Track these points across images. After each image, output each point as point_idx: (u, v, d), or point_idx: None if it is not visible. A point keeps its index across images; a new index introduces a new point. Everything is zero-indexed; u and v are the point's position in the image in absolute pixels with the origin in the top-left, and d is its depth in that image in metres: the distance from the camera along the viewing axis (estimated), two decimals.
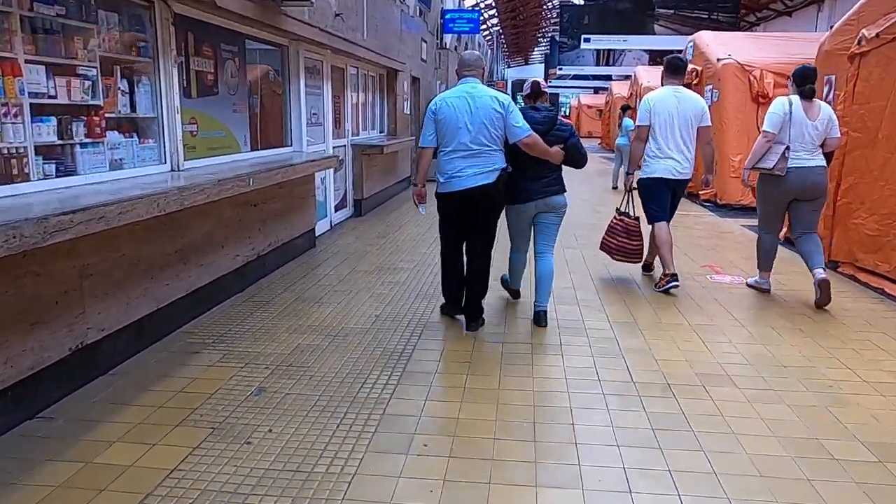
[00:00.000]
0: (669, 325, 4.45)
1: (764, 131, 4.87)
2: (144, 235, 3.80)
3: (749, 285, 5.37)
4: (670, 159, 5.11)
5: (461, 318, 4.49)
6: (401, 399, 3.26)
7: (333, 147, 8.01)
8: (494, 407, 3.18)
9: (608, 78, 43.89)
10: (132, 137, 4.07)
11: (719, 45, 10.88)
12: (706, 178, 5.57)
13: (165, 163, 4.38)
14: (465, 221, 4.21)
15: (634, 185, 5.47)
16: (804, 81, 4.83)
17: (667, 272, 5.18)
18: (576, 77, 42.03)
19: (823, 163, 4.88)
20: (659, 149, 5.13)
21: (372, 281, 5.54)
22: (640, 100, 17.72)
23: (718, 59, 10.37)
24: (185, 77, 4.57)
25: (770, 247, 5.14)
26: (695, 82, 11.25)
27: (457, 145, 4.03)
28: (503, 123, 4.02)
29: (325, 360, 3.75)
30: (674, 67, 5.30)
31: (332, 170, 7.59)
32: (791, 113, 4.77)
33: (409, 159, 12.50)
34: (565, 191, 4.42)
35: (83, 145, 3.60)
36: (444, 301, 4.60)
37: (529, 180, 4.25)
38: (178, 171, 4.44)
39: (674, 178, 5.16)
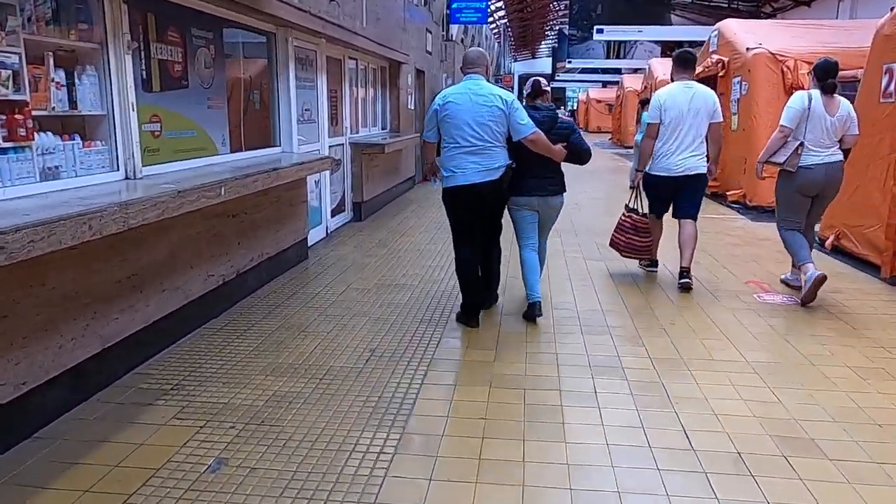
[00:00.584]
0: (723, 362, 3.70)
1: (781, 125, 4.77)
2: (83, 261, 3.08)
3: (783, 281, 5.30)
4: (681, 156, 5.07)
5: (477, 331, 3.77)
6: (398, 478, 2.54)
7: (330, 146, 7.29)
8: (520, 492, 2.45)
9: (617, 71, 43.09)
10: (73, 140, 3.34)
11: (747, 34, 10.08)
12: (709, 167, 5.30)
13: (118, 170, 3.65)
14: (473, 214, 4.24)
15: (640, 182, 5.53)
16: (826, 76, 4.69)
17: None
18: (584, 70, 41.25)
19: (841, 158, 4.80)
20: (669, 146, 5.09)
21: (369, 301, 4.81)
22: (653, 92, 16.93)
23: (748, 49, 9.58)
24: (144, 67, 3.85)
25: (796, 238, 4.90)
26: (721, 74, 10.48)
27: (460, 142, 4.05)
28: (506, 121, 4.02)
29: (306, 416, 3.03)
30: (683, 61, 5.24)
31: (327, 172, 6.87)
32: (810, 108, 4.67)
33: (414, 157, 11.76)
34: (565, 190, 4.50)
35: (2, 150, 2.88)
36: (461, 304, 4.44)
37: (532, 177, 4.29)
38: (135, 178, 3.71)
39: (685, 174, 5.10)
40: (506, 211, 4.47)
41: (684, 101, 5.03)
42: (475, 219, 4.26)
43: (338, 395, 3.26)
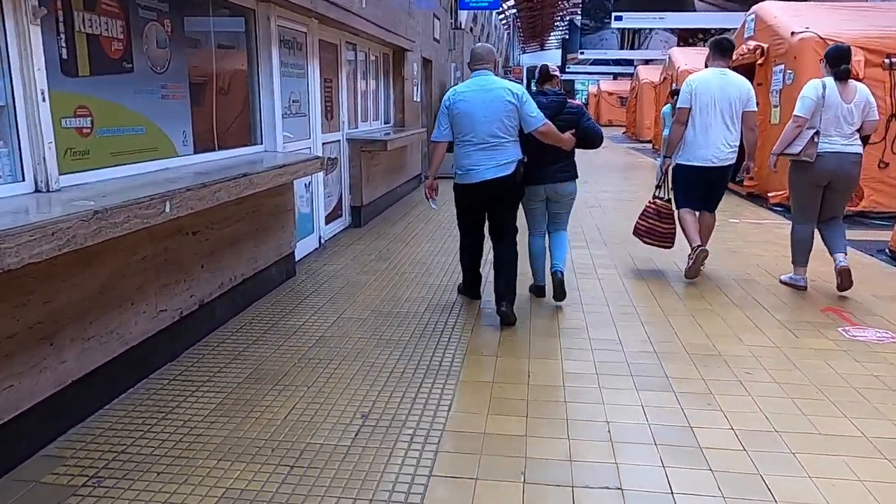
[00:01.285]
0: (835, 439, 2.76)
1: (795, 116, 4.65)
2: None
3: (783, 282, 5.03)
4: (711, 146, 4.91)
5: (501, 387, 2.84)
6: None
7: (323, 143, 6.36)
8: None
9: (630, 63, 41.92)
10: None
11: (791, 17, 9.08)
12: (747, 164, 5.21)
13: (24, 179, 2.74)
14: (484, 212, 4.27)
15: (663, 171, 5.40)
16: (839, 62, 4.60)
17: (693, 245, 5.02)
18: (596, 62, 40.07)
19: (859, 150, 4.65)
20: (699, 134, 4.93)
21: (363, 338, 3.90)
22: (674, 84, 15.91)
23: (793, 34, 8.58)
24: (62, 43, 2.93)
25: (805, 239, 4.83)
26: (759, 62, 9.49)
27: (473, 139, 4.02)
28: (517, 114, 4.02)
29: None
30: (720, 48, 5.06)
31: (320, 174, 5.95)
32: (825, 97, 4.55)
33: (421, 153, 10.82)
34: (577, 177, 4.47)
35: None
36: (462, 282, 4.72)
37: (541, 165, 4.26)
38: (48, 191, 2.80)
39: (713, 165, 4.95)
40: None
41: (717, 88, 4.86)
42: (483, 214, 4.29)
43: (312, 496, 2.34)
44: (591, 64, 41.10)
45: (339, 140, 6.95)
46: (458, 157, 4.13)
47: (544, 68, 4.52)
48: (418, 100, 10.47)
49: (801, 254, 4.85)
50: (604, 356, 3.63)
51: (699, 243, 4.99)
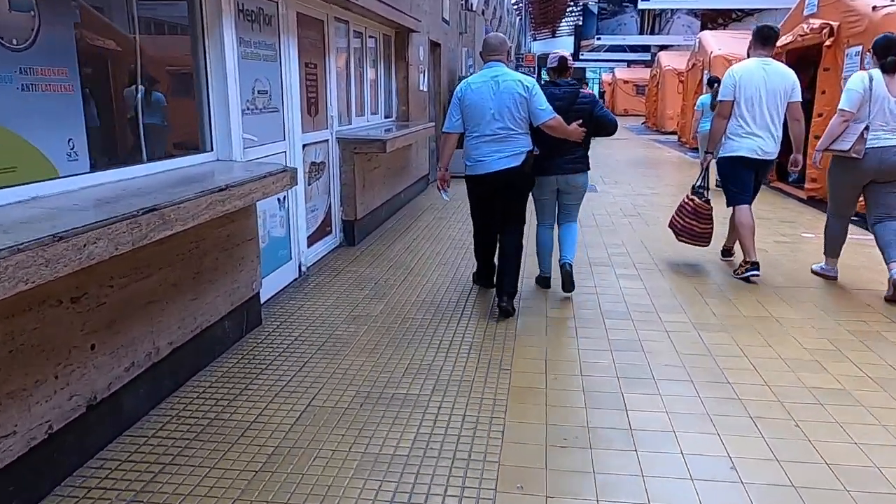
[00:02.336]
0: None
1: (840, 110, 4.54)
2: None
3: (814, 271, 5.05)
4: (755, 138, 4.76)
5: None
6: None
7: (306, 145, 5.05)
8: None
9: (646, 49, 40.36)
10: None
11: None
12: (795, 157, 4.99)
13: None
14: (495, 203, 4.27)
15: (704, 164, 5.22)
16: (886, 53, 4.44)
17: (747, 259, 4.87)
18: (611, 49, 38.64)
19: None
20: (743, 126, 4.78)
21: (338, 456, 2.58)
22: (706, 71, 14.40)
23: (875, 8, 7.17)
24: None
25: (839, 234, 4.86)
26: (826, 42, 8.06)
27: (483, 130, 4.05)
28: (528, 106, 4.03)
29: None
30: (764, 37, 4.89)
31: (298, 186, 4.62)
32: (871, 89, 4.43)
33: (428, 150, 9.48)
34: (588, 169, 4.45)
35: None
36: (475, 270, 4.77)
37: (554, 156, 4.27)
38: None
39: (758, 157, 4.80)
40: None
41: (761, 79, 4.72)
42: (495, 206, 4.28)
43: None
44: (606, 50, 39.63)
45: (328, 140, 5.62)
46: (469, 148, 4.16)
47: (563, 60, 4.46)
48: (425, 89, 9.11)
49: (833, 247, 4.90)
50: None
51: (756, 260, 4.83)
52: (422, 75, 8.81)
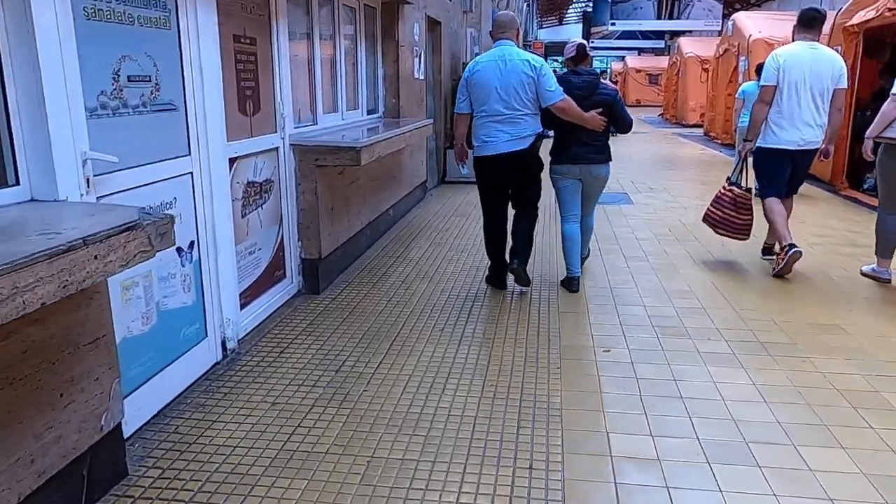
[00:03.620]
0: None
1: (894, 94, 4.23)
2: None
3: (864, 273, 4.61)
4: (797, 128, 4.53)
5: None
6: None
7: (236, 157, 3.38)
8: None
9: (660, 37, 38.48)
10: None
11: None
12: (827, 148, 4.69)
13: None
14: (506, 189, 4.20)
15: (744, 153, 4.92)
16: None
17: (784, 244, 4.55)
18: (621, 36, 36.92)
19: None
20: (785, 114, 4.53)
21: None
22: (744, 57, 12.62)
23: None
24: None
25: (893, 229, 4.41)
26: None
27: (489, 110, 3.99)
28: (535, 87, 3.93)
29: None
30: (810, 20, 4.57)
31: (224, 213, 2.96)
32: None
33: (426, 152, 7.80)
34: (610, 160, 4.34)
35: None
36: (488, 267, 4.48)
37: (576, 144, 4.17)
38: None
39: (799, 148, 4.57)
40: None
41: (807, 63, 4.47)
42: (504, 187, 4.20)
43: None
44: (617, 38, 37.81)
45: (277, 149, 3.95)
46: (476, 128, 4.10)
47: (581, 47, 4.30)
48: (421, 76, 7.40)
49: (886, 246, 4.52)
50: None
51: (791, 241, 4.56)
52: (417, 60, 7.11)
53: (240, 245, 3.53)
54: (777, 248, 4.74)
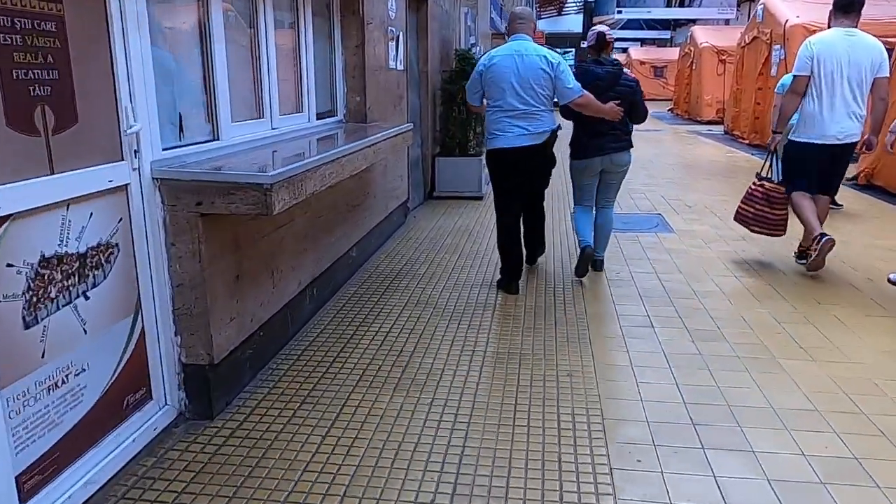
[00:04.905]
0: None
1: None
2: None
3: (891, 281, 4.21)
4: (833, 122, 4.27)
5: None
6: None
7: (15, 215, 1.70)
8: None
9: (666, 27, 36.82)
10: None
11: None
12: (870, 139, 4.53)
13: None
14: (517, 179, 4.13)
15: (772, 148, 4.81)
16: None
17: (814, 235, 4.31)
18: (626, 26, 35.41)
19: None
20: (820, 107, 4.29)
21: None
22: (777, 46, 11.11)
23: None
24: None
25: None
26: None
27: (504, 105, 3.95)
28: (552, 84, 3.91)
29: None
30: (846, 4, 4.31)
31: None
32: None
33: (409, 163, 6.12)
34: (632, 146, 4.28)
35: None
36: (500, 268, 4.28)
37: (594, 136, 4.14)
38: None
39: (838, 143, 4.30)
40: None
41: (843, 52, 4.21)
42: (519, 183, 4.15)
43: None
44: (620, 28, 36.22)
45: (127, 187, 2.28)
46: (490, 121, 4.05)
47: (601, 36, 4.22)
48: (399, 67, 5.70)
49: None
50: None
51: (821, 231, 4.29)
52: (393, 44, 5.41)
53: (25, 379, 1.86)
54: (808, 248, 4.51)
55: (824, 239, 4.22)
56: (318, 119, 4.15)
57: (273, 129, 3.51)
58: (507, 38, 4.12)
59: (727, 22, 24.44)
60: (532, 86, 3.87)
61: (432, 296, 4.11)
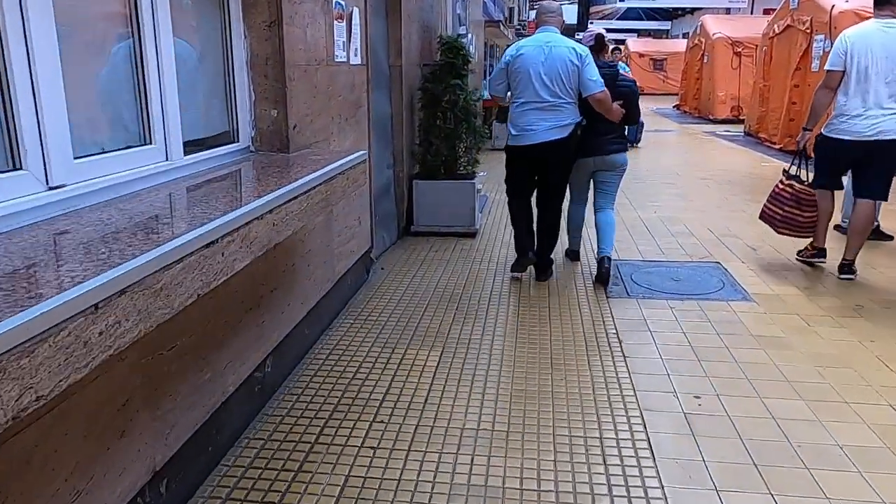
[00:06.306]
0: None
1: None
2: None
3: None
4: (867, 118, 4.11)
5: None
6: None
7: None
8: None
9: (665, 17, 35.13)
10: None
11: None
12: None
13: None
14: (535, 175, 4.19)
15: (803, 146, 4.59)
16: None
17: (815, 245, 4.53)
18: (621, 18, 33.91)
19: None
20: (854, 102, 4.14)
21: None
22: (821, 35, 9.55)
23: None
24: None
25: None
26: None
27: (530, 97, 3.95)
28: (578, 77, 3.92)
29: None
30: None
31: None
32: None
33: (372, 196, 4.34)
34: (626, 149, 4.38)
35: None
36: (514, 258, 4.38)
37: (593, 135, 4.18)
38: None
39: (872, 139, 4.11)
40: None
41: (879, 46, 4.07)
42: (533, 179, 4.19)
43: None
44: (617, 19, 34.54)
45: None
46: (514, 115, 4.04)
47: (601, 37, 4.38)
48: (354, 60, 3.86)
49: None
50: None
51: (824, 247, 4.49)
52: (341, 25, 3.58)
53: None
54: (808, 243, 4.58)
55: (819, 259, 4.52)
56: (187, 153, 2.33)
57: (51, 187, 1.70)
58: (534, 30, 4.11)
59: (728, 11, 22.79)
60: (561, 77, 3.90)
61: (391, 473, 2.33)
